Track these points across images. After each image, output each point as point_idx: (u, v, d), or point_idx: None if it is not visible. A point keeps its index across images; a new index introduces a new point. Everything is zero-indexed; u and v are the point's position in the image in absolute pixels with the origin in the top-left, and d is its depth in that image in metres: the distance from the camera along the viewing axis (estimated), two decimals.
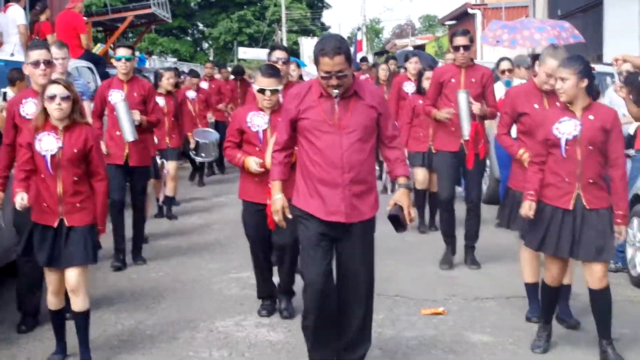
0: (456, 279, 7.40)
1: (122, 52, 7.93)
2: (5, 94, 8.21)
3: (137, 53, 25.74)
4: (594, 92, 5.30)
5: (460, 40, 7.60)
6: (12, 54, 10.19)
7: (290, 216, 4.86)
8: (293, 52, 49.24)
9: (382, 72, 12.51)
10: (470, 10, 37.26)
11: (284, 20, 53.18)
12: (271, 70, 6.16)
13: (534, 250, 5.66)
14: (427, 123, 9.10)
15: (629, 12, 17.32)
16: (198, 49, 57.20)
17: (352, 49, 20.23)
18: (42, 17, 12.46)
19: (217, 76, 15.87)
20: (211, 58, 51.64)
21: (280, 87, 6.12)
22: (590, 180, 5.22)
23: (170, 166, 10.46)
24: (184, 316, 6.36)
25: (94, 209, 5.24)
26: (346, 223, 4.70)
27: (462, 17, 38.60)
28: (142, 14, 23.71)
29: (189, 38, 57.01)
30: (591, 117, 5.22)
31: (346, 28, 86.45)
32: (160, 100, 10.14)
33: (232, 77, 15.88)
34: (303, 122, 4.73)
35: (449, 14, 41.64)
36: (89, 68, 11.44)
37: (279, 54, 6.97)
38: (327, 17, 58.95)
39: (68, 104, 5.13)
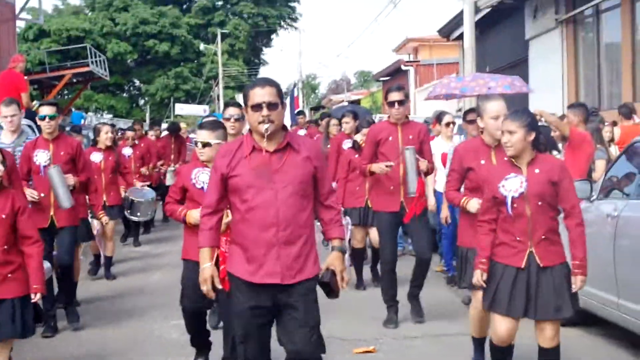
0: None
1: (46, 110, 7.47)
2: None
3: (73, 110, 25.91)
4: (540, 145, 5.21)
5: (395, 96, 7.48)
6: None
7: (219, 286, 4.54)
8: None
9: (334, 127, 11.86)
10: (403, 67, 38.39)
11: (221, 76, 53.80)
12: (208, 124, 6.08)
13: (485, 310, 5.43)
14: (363, 178, 8.98)
15: (553, 69, 18.18)
16: (134, 105, 57.35)
17: (288, 105, 20.73)
18: None
19: (151, 134, 15.57)
20: (148, 114, 51.84)
21: (216, 141, 5.92)
22: (543, 237, 5.08)
23: (108, 226, 9.84)
24: (128, 359, 6.66)
25: (26, 278, 5.05)
26: (284, 285, 4.41)
27: (395, 73, 39.72)
28: (79, 72, 24.01)
29: (125, 94, 57.16)
30: (537, 170, 5.11)
31: (283, 84, 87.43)
32: (98, 156, 10.08)
33: (166, 132, 15.91)
34: (234, 180, 4.46)
35: (383, 70, 42.77)
36: (30, 126, 11.68)
37: (232, 111, 6.73)
38: (263, 73, 59.78)
39: (3, 169, 5.07)
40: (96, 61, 26.55)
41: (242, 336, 4.53)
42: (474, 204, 5.85)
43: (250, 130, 4.55)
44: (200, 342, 6.27)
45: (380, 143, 7.58)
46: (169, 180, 14.80)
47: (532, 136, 5.12)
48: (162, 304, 8.63)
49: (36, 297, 5.05)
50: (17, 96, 12.54)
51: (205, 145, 5.91)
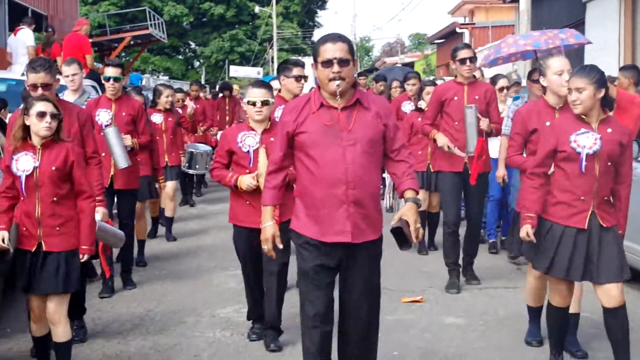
0: (434, 273, 8.11)
1: (111, 72, 7.49)
2: None
3: (131, 71, 26.43)
4: (608, 103, 5.04)
5: (465, 53, 7.39)
6: (23, 74, 10.94)
7: (281, 246, 4.54)
8: None
9: (396, 90, 11.79)
10: (458, 30, 38.17)
11: (275, 39, 54.03)
12: (261, 83, 6.03)
13: (543, 273, 5.26)
14: (426, 142, 8.91)
15: (609, 32, 18.05)
16: (190, 67, 57.95)
17: None
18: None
19: (202, 95, 15.45)
20: (203, 76, 52.46)
21: (272, 100, 5.89)
22: (605, 198, 4.98)
23: (168, 186, 10.05)
24: (188, 305, 7.08)
25: (77, 233, 4.99)
26: (351, 245, 4.34)
27: (450, 35, 39.47)
28: (139, 35, 24.49)
29: (180, 57, 57.75)
30: (609, 130, 4.93)
31: None
32: (158, 117, 10.04)
33: (220, 94, 15.89)
34: (301, 137, 4.34)
35: (437, 32, 42.54)
36: (94, 87, 12.16)
37: (300, 71, 6.62)
38: (317, 36, 59.80)
39: (56, 122, 4.96)
40: (155, 24, 27.00)
41: (306, 294, 4.45)
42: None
43: (318, 86, 4.44)
44: (256, 308, 6.14)
45: (445, 103, 7.47)
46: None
47: (602, 93, 4.93)
48: (220, 257, 8.98)
49: (84, 258, 4.98)
50: (81, 58, 13.03)
51: (265, 103, 5.81)
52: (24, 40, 12.42)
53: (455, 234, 7.59)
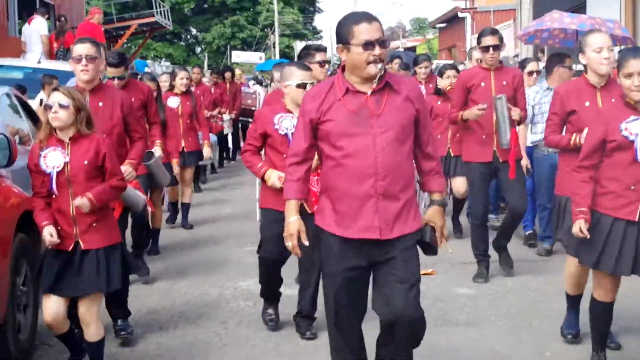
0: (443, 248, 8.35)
1: (114, 72, 6.97)
2: (42, 100, 9.00)
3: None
4: None
5: (490, 40, 7.08)
6: (39, 62, 11.30)
7: (307, 243, 4.18)
8: (285, 55, 50.44)
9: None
10: (460, 14, 38.38)
11: (276, 24, 54.24)
12: (302, 64, 5.81)
13: (590, 268, 4.98)
14: (446, 125, 8.62)
15: (611, 14, 18.23)
16: (192, 53, 58.23)
17: None
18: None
19: (205, 80, 15.00)
20: (205, 62, 52.73)
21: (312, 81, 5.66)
22: None
23: (187, 172, 9.90)
24: (211, 279, 7.43)
25: (114, 226, 4.88)
26: (383, 241, 4.03)
27: (452, 20, 39.74)
28: (145, 22, 24.73)
29: (182, 43, 58.02)
30: None
31: None
32: (175, 101, 9.74)
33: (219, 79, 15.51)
34: (326, 125, 4.03)
35: (439, 17, 42.78)
36: None
37: (324, 56, 6.43)
38: (318, 21, 60.18)
39: (67, 113, 4.66)
40: (160, 11, 27.25)
41: (333, 298, 4.18)
42: None
43: (342, 70, 4.14)
44: (271, 292, 6.09)
45: (472, 89, 7.18)
46: (226, 129, 15.18)
47: None
48: (235, 238, 9.18)
49: (80, 201, 4.62)
50: None
51: (312, 85, 5.49)
52: (37, 29, 12.76)
53: (484, 226, 7.43)
